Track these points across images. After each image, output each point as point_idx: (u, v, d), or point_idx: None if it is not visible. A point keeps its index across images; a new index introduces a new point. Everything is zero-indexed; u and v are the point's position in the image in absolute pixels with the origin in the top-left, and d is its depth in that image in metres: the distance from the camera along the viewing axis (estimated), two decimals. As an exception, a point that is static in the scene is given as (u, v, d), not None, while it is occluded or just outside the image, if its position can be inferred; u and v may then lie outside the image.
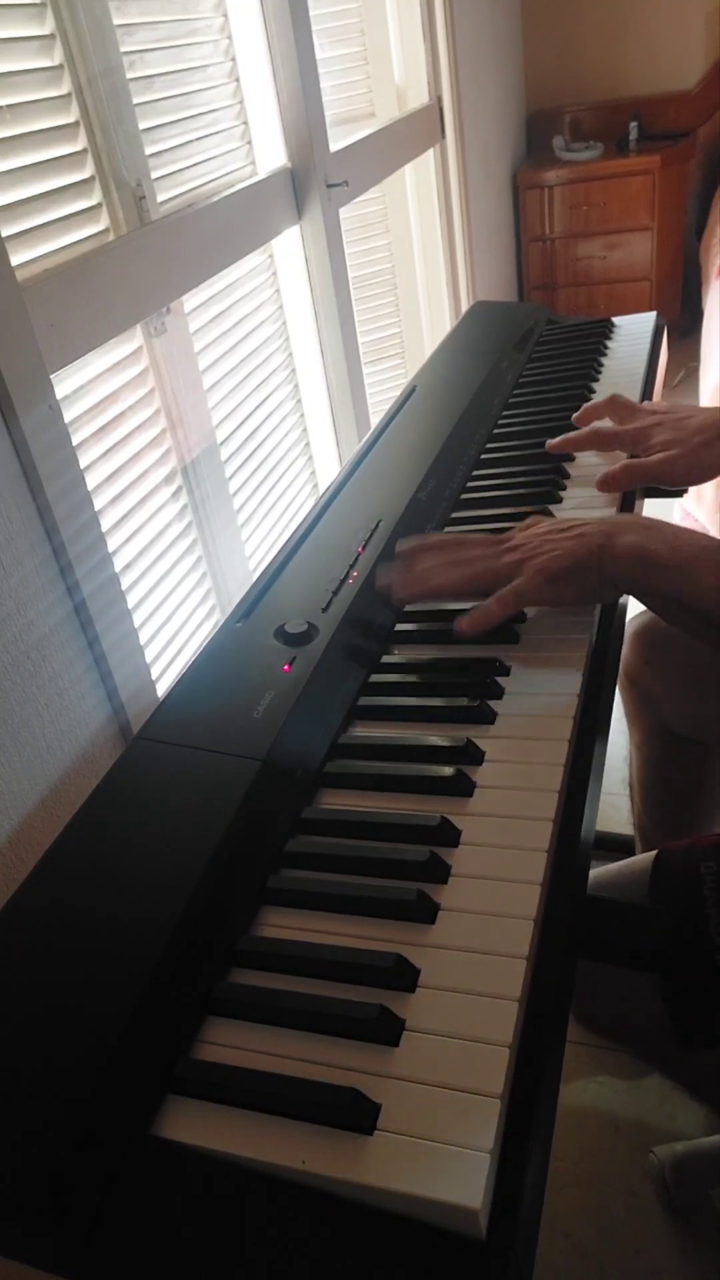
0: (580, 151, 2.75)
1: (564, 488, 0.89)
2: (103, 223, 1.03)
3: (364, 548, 0.77)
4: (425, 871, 0.50)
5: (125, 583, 1.05)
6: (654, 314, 1.27)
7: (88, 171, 1.00)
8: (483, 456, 0.97)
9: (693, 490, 1.93)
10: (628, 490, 0.85)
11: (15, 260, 0.85)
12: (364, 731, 0.63)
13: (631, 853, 1.23)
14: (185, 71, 1.20)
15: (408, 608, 0.74)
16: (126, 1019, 0.43)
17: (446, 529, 0.85)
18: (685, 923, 0.65)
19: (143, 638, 1.04)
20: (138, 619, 1.05)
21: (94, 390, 1.03)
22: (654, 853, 0.72)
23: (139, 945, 0.46)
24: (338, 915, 0.50)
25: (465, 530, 0.84)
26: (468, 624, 0.68)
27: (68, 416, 0.95)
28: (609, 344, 1.20)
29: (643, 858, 0.72)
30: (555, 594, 0.67)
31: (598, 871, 0.76)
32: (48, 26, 0.93)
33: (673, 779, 1.08)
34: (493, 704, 0.62)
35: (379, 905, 0.49)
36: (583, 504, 0.85)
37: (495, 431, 1.02)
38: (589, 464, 0.92)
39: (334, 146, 1.52)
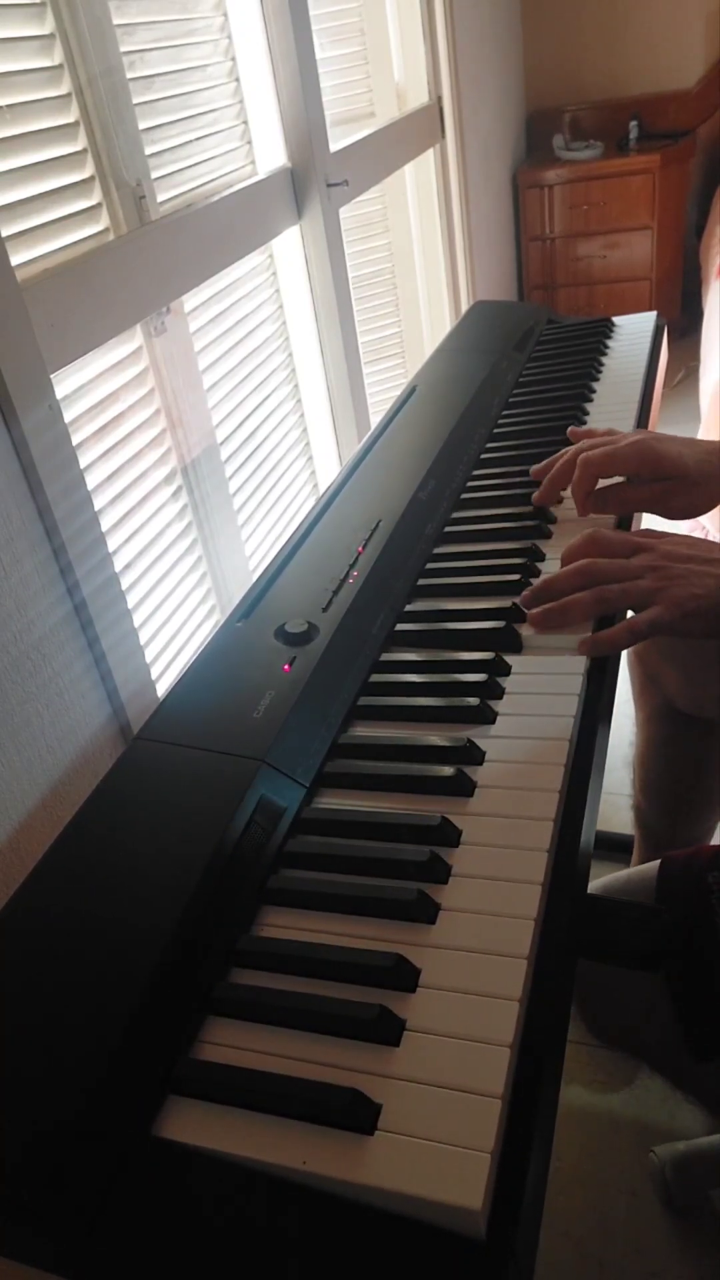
0: (580, 151, 2.75)
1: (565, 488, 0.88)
2: (103, 222, 1.03)
3: (364, 547, 0.77)
4: (426, 871, 0.50)
5: (125, 583, 1.05)
6: (654, 313, 1.27)
7: (88, 171, 1.00)
8: (483, 456, 0.97)
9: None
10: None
11: (15, 260, 0.85)
12: (364, 731, 0.63)
13: (632, 852, 1.23)
14: (185, 71, 1.20)
15: (408, 607, 0.74)
16: (127, 1019, 0.43)
17: (447, 529, 0.85)
18: (695, 934, 0.65)
19: (143, 638, 1.04)
20: (138, 619, 1.05)
21: (94, 390, 1.03)
22: (657, 862, 0.72)
23: (139, 945, 0.46)
24: (338, 915, 0.50)
25: (465, 529, 0.84)
26: (592, 646, 0.65)
27: (68, 416, 0.95)
28: (609, 343, 1.20)
29: (647, 867, 0.72)
30: (687, 628, 0.64)
31: (601, 881, 0.75)
32: (48, 26, 0.93)
33: (671, 757, 1.08)
34: (493, 704, 0.62)
35: (379, 905, 0.49)
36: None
37: (495, 431, 1.02)
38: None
39: (334, 146, 1.52)
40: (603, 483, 0.79)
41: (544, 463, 0.84)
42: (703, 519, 2.01)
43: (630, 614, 0.67)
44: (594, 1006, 0.73)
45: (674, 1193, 1.01)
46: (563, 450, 0.83)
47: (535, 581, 0.72)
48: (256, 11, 1.31)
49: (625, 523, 0.83)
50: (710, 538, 0.84)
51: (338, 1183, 0.38)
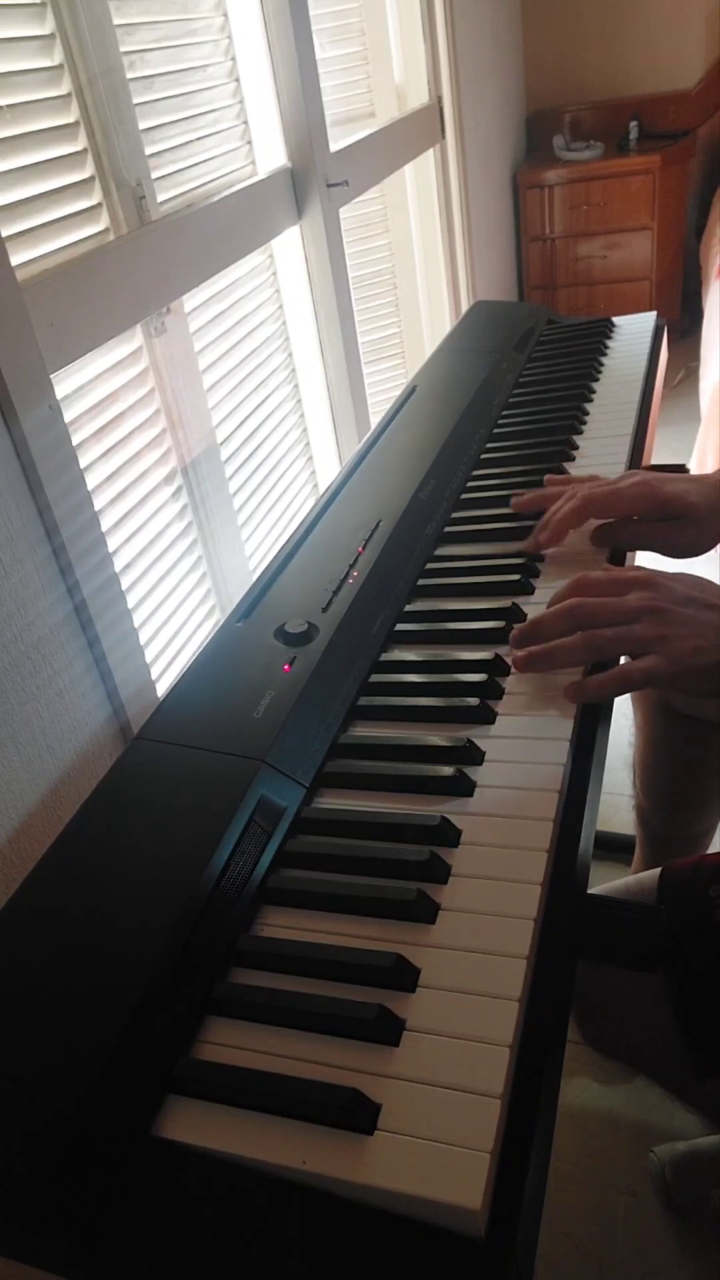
0: (580, 151, 2.75)
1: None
2: (103, 223, 1.03)
3: (364, 547, 0.77)
4: (425, 871, 0.50)
5: (125, 583, 1.05)
6: (654, 314, 1.27)
7: (88, 171, 1.00)
8: (483, 456, 0.97)
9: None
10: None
11: (15, 260, 0.85)
12: (364, 731, 0.63)
13: (632, 852, 1.23)
14: (185, 71, 1.20)
15: (407, 607, 0.74)
16: (126, 1019, 0.43)
17: (447, 529, 0.85)
18: (697, 947, 0.64)
19: (143, 638, 1.04)
20: (138, 619, 1.05)
21: (94, 390, 1.03)
22: (657, 871, 0.71)
23: (139, 945, 0.46)
24: (338, 915, 0.50)
25: (465, 529, 0.84)
26: (579, 692, 0.61)
27: (68, 416, 0.95)
28: (609, 344, 1.20)
29: (647, 875, 0.72)
30: (685, 683, 0.60)
31: (599, 888, 0.75)
32: (48, 26, 0.93)
33: (670, 757, 1.08)
34: (493, 704, 0.62)
35: (379, 905, 0.49)
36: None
37: (495, 431, 1.02)
38: (591, 464, 0.92)
39: (334, 146, 1.52)
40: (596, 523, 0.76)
41: (529, 496, 0.80)
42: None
43: (625, 659, 0.63)
44: (594, 1019, 0.73)
45: (673, 1193, 1.01)
46: (546, 488, 0.80)
47: (525, 617, 0.67)
48: (256, 11, 1.31)
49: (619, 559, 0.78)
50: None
51: (337, 1182, 0.38)
